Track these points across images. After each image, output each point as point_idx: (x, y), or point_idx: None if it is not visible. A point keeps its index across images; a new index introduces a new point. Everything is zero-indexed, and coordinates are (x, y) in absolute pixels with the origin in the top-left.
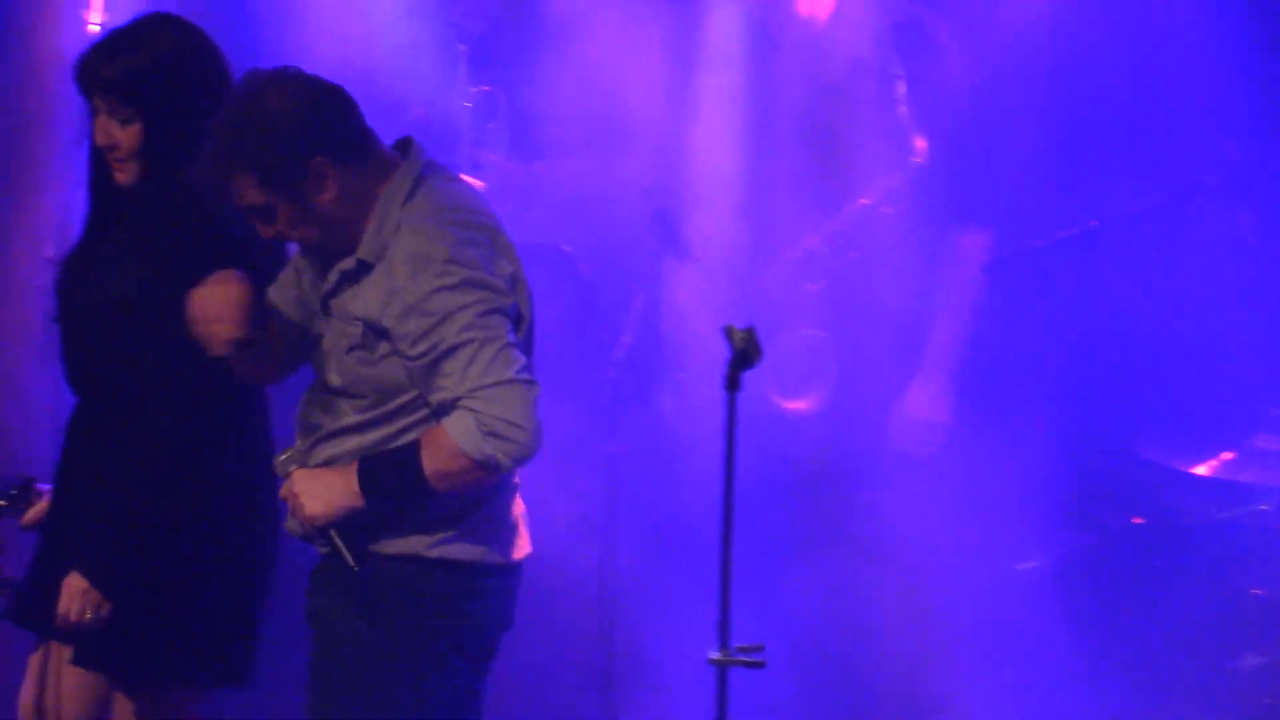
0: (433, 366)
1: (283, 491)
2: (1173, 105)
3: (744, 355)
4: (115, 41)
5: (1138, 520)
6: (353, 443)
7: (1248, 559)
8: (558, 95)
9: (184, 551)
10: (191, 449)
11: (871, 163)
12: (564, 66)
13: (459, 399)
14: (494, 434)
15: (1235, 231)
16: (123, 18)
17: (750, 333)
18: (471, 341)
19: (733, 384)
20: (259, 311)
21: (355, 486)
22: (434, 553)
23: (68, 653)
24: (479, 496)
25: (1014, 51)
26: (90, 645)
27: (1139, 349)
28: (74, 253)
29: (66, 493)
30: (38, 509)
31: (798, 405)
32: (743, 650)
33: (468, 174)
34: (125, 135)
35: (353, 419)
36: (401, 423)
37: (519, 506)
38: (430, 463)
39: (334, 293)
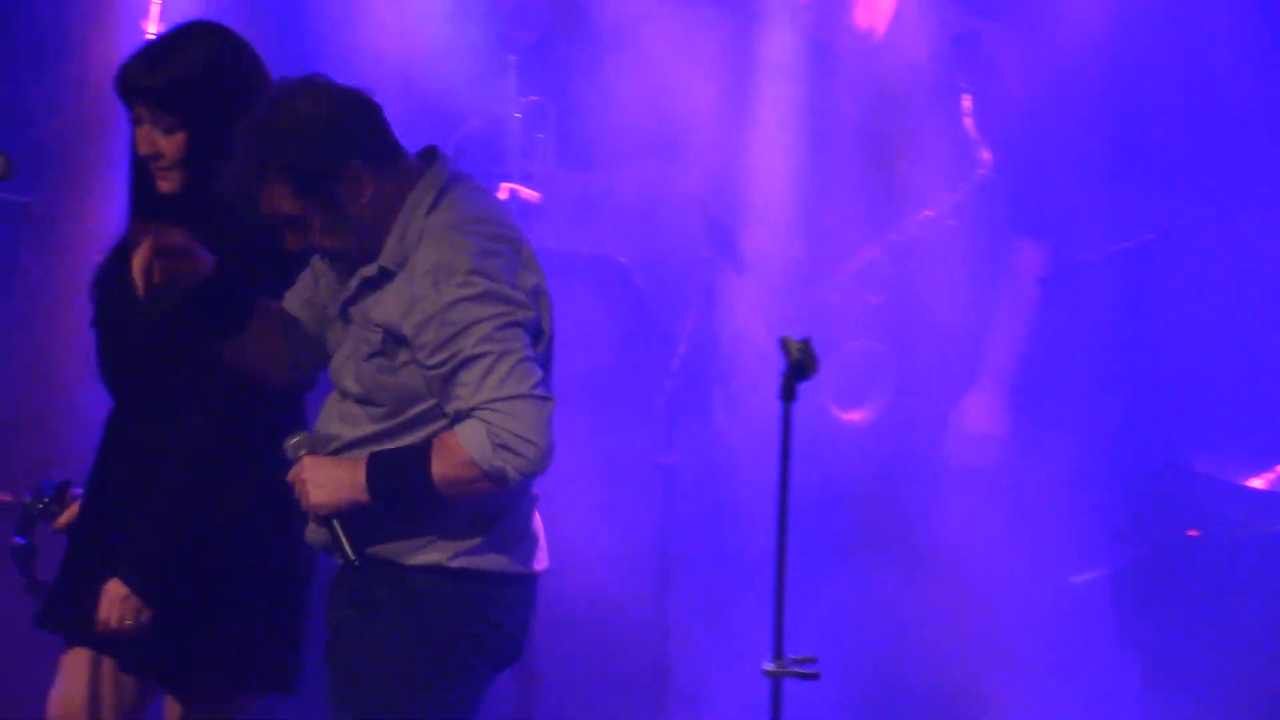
0: (450, 377)
1: (290, 475)
2: (1229, 117)
3: (800, 367)
4: (158, 50)
5: (1192, 533)
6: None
7: None
8: (612, 106)
9: (226, 556)
10: (231, 455)
11: (930, 175)
12: (617, 77)
13: (473, 409)
14: (505, 447)
15: None
16: None
17: (806, 344)
18: (489, 354)
19: (788, 395)
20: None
21: (362, 481)
22: (457, 563)
23: (113, 659)
24: (500, 508)
25: (1071, 64)
26: (140, 651)
27: (1193, 361)
28: (112, 259)
29: (100, 496)
30: (71, 512)
31: (854, 417)
32: (796, 662)
33: (519, 184)
34: (169, 144)
35: (370, 429)
36: (420, 433)
37: (538, 519)
38: (439, 468)
39: (355, 299)
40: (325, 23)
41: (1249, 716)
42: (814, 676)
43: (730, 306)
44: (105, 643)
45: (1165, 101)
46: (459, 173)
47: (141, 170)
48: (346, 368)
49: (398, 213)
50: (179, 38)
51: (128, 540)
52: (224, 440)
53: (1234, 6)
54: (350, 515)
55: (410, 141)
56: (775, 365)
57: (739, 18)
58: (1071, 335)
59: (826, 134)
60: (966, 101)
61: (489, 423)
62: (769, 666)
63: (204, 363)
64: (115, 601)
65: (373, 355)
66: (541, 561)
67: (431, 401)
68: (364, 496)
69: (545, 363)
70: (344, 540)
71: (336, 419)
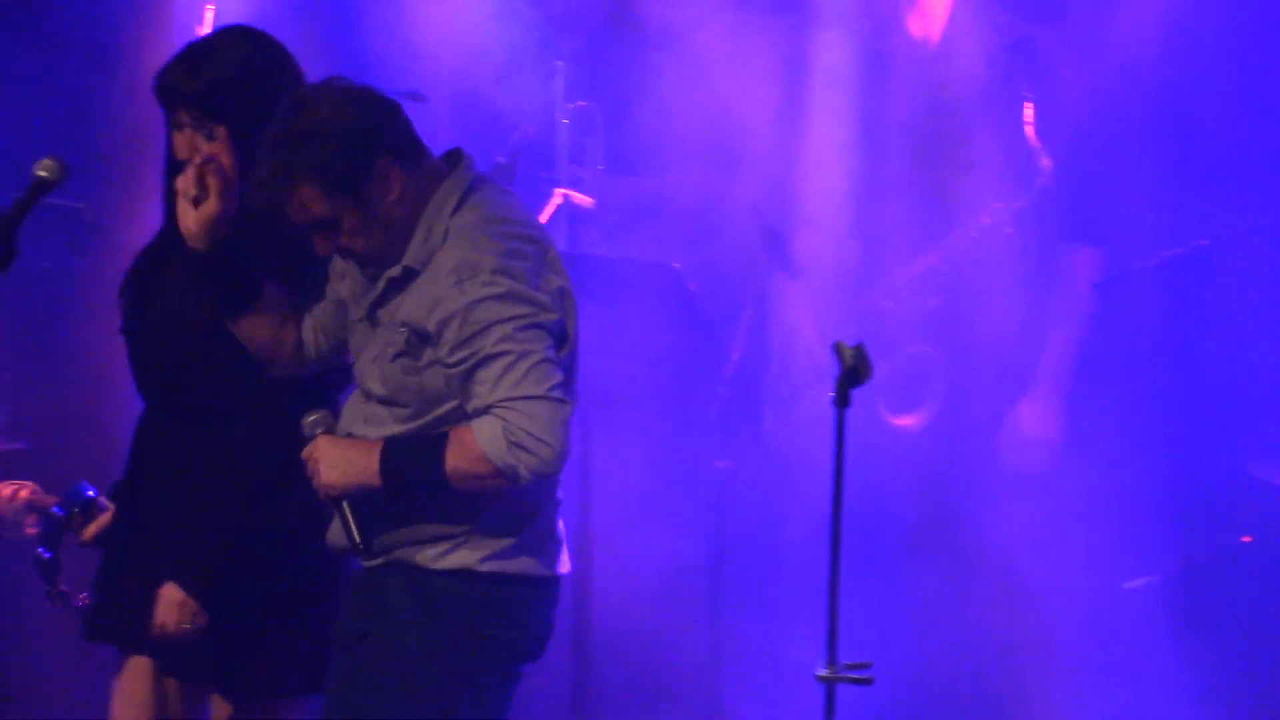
0: (469, 374)
1: (305, 452)
2: None
3: (854, 372)
4: (197, 55)
5: (1246, 539)
6: None
7: None
8: (664, 111)
9: (274, 557)
10: (276, 457)
11: (984, 182)
12: (670, 83)
13: (490, 406)
14: (519, 445)
15: None
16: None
17: (860, 349)
18: (509, 353)
19: (842, 400)
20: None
21: (375, 466)
22: (487, 567)
23: (158, 664)
24: (528, 512)
25: (1125, 69)
26: (196, 654)
27: (1247, 367)
28: (142, 264)
29: (137, 504)
30: (98, 523)
31: (907, 422)
32: (850, 667)
33: (570, 189)
34: (211, 149)
35: (394, 429)
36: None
37: (561, 523)
38: (453, 460)
39: (381, 301)
40: (376, 28)
41: None
42: (868, 682)
43: (784, 312)
44: (161, 648)
45: (1218, 106)
46: (483, 175)
47: (177, 174)
48: (371, 369)
49: (421, 213)
50: (217, 41)
51: (180, 545)
52: (268, 443)
53: None
54: (359, 500)
55: (461, 145)
56: (829, 370)
57: (791, 22)
58: (1125, 341)
59: (880, 140)
60: (1029, 109)
61: (505, 420)
62: (822, 672)
63: (238, 367)
64: (172, 606)
65: (398, 356)
66: (565, 564)
67: (455, 403)
68: (375, 481)
69: (569, 366)
70: (352, 525)
71: (360, 420)
